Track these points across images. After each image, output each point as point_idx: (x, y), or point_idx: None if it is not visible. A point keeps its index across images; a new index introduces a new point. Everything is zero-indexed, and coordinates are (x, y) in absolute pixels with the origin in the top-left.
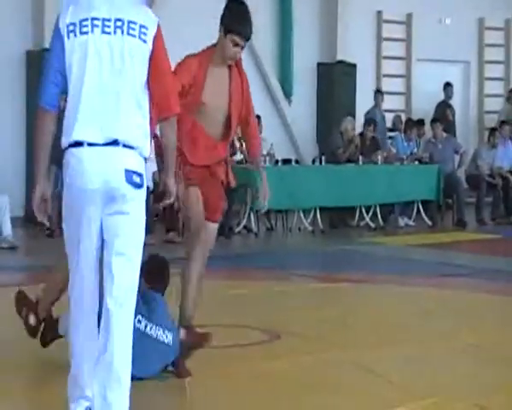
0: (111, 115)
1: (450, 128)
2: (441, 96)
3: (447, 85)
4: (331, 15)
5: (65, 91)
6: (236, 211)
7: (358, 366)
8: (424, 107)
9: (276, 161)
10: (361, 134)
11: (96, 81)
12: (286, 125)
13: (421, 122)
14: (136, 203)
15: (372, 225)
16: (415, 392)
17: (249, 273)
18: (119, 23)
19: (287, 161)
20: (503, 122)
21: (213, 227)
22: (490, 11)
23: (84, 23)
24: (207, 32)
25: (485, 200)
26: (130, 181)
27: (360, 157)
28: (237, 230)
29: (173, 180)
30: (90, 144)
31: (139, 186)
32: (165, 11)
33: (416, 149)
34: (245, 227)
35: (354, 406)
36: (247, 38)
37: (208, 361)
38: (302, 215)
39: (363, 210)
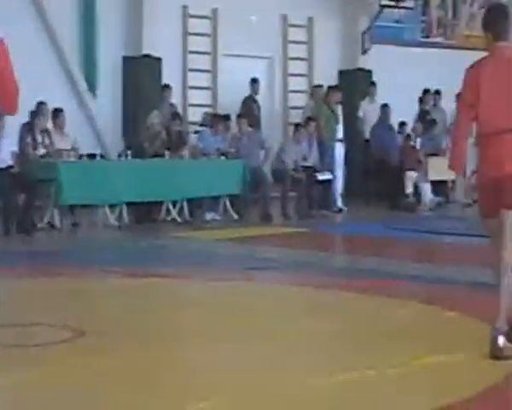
0: None
1: (255, 123)
2: (247, 92)
3: (253, 81)
4: (136, 9)
5: None
6: (39, 206)
7: (163, 360)
8: (230, 102)
9: (80, 156)
10: (167, 128)
11: None
12: (91, 119)
13: (227, 117)
14: None
15: (179, 219)
16: (227, 385)
17: (53, 270)
18: None
19: (91, 156)
20: (309, 118)
21: None
22: (293, 8)
23: None
24: None
25: (290, 194)
26: None
27: (166, 151)
28: (40, 225)
29: None
30: None
31: None
32: None
33: (222, 144)
34: (48, 223)
35: (165, 401)
36: None
37: (9, 361)
38: (108, 210)
39: (170, 205)
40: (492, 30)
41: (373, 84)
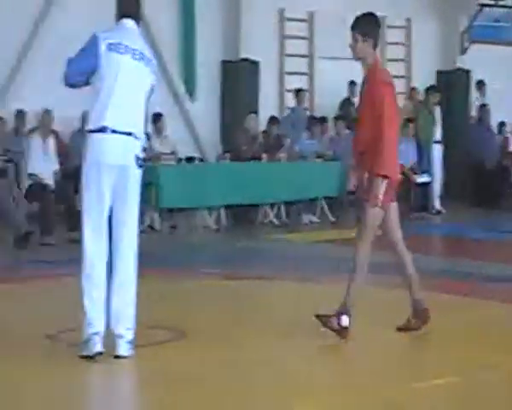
0: (130, 113)
1: (353, 125)
2: (343, 94)
3: (352, 83)
4: (234, 13)
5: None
6: (140, 210)
7: (264, 362)
8: (327, 104)
9: (180, 159)
10: (265, 132)
11: (122, 89)
12: (189, 123)
13: (323, 119)
14: (137, 179)
15: (276, 222)
16: (323, 385)
17: (153, 272)
18: (141, 55)
19: (190, 159)
20: (407, 120)
21: None
22: (390, 10)
23: (119, 46)
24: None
25: None
26: (136, 162)
27: (264, 155)
28: (141, 229)
29: None
30: (112, 131)
31: (140, 166)
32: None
33: (319, 147)
34: (149, 226)
35: (264, 403)
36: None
37: (115, 361)
38: (206, 213)
39: (268, 207)
40: (375, 37)
41: (481, 82)
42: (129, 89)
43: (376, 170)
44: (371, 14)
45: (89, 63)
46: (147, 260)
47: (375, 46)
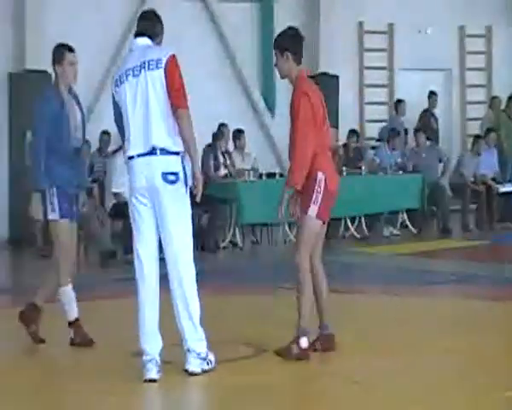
0: (149, 130)
1: (433, 136)
2: (423, 105)
3: (432, 94)
4: (313, 27)
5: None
6: (221, 226)
7: (345, 377)
8: (407, 116)
9: (260, 175)
10: (345, 145)
11: (135, 112)
12: (269, 138)
13: (404, 131)
14: (174, 195)
15: (357, 235)
16: (402, 400)
17: (236, 288)
18: (142, 64)
19: (271, 175)
20: (489, 130)
21: None
22: (470, 19)
23: (121, 77)
24: None
25: (470, 207)
26: (166, 180)
27: (344, 168)
28: (223, 245)
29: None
30: (138, 155)
31: (173, 182)
32: None
33: (399, 159)
34: (230, 242)
35: None
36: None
37: (197, 377)
38: (287, 228)
39: (349, 221)
40: (295, 51)
41: None
42: (140, 108)
43: (286, 179)
44: (290, 29)
45: (119, 118)
46: (228, 277)
47: (296, 60)
